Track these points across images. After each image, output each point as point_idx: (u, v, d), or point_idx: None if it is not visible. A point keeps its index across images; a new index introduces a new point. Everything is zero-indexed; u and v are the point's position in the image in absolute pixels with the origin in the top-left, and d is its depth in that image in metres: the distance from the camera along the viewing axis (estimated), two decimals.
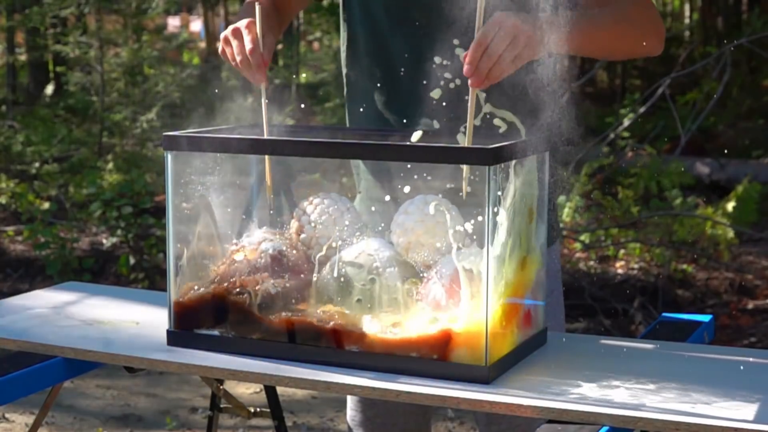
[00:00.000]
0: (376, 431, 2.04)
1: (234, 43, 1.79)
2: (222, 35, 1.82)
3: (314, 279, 1.67)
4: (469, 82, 1.61)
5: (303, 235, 1.73)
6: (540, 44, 1.64)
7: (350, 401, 2.06)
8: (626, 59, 1.95)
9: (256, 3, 1.80)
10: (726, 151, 8.34)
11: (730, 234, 6.00)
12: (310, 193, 1.80)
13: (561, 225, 2.02)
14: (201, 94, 10.00)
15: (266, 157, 1.79)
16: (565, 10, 1.73)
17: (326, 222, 1.71)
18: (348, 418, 2.07)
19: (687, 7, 15.44)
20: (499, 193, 1.55)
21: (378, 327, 1.60)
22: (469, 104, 1.62)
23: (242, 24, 1.80)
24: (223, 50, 1.83)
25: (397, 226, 1.67)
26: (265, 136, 1.79)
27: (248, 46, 1.77)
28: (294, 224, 1.75)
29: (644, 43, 1.84)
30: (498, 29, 1.59)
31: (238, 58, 1.78)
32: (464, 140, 1.64)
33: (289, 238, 1.74)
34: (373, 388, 1.56)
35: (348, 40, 1.99)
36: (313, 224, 1.72)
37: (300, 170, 1.87)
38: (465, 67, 1.60)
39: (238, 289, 1.70)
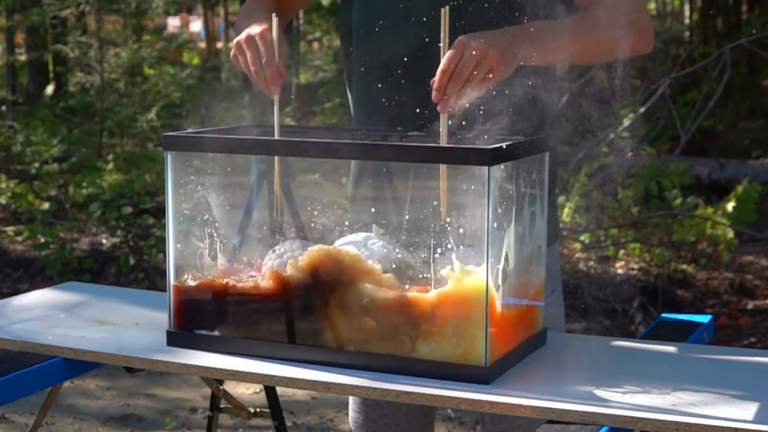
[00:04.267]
0: None
1: (248, 53, 1.74)
2: (235, 41, 1.77)
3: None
4: (438, 107, 1.61)
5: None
6: (508, 63, 1.63)
7: (352, 403, 2.06)
8: (611, 61, 1.93)
9: (273, 15, 1.77)
10: (726, 151, 8.34)
11: (730, 234, 6.01)
12: (309, 194, 1.81)
13: (561, 225, 2.02)
14: (201, 94, 10.01)
15: (276, 161, 1.77)
16: (542, 20, 1.73)
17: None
18: (350, 419, 2.07)
19: (687, 8, 15.44)
20: (498, 193, 1.55)
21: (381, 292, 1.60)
22: (441, 129, 1.63)
23: (256, 32, 1.74)
24: (235, 56, 1.77)
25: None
26: (276, 131, 1.75)
27: (263, 57, 1.72)
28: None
29: (629, 46, 1.81)
30: (463, 53, 1.59)
31: (252, 68, 1.73)
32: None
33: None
34: (373, 388, 1.56)
35: (346, 48, 2.00)
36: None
37: (300, 170, 1.88)
38: (433, 93, 1.61)
39: (238, 289, 1.70)
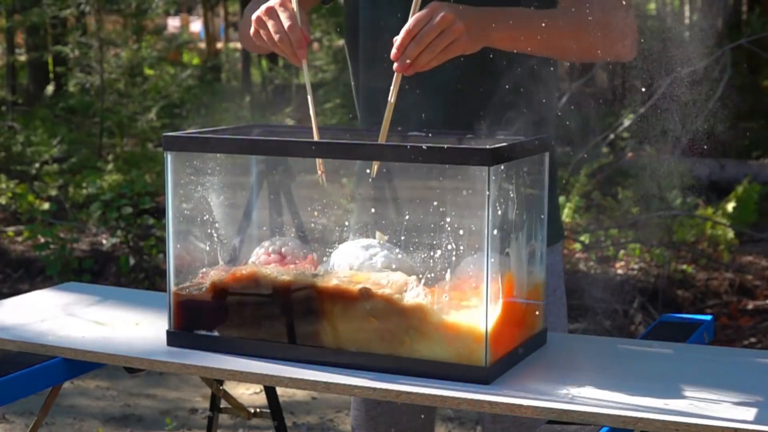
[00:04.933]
0: (380, 430, 2.05)
1: (270, 22, 1.72)
2: (254, 16, 1.75)
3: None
4: (395, 66, 1.63)
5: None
6: (475, 39, 1.65)
7: (354, 401, 2.07)
8: (588, 62, 1.93)
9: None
10: (726, 151, 8.34)
11: (730, 234, 6.01)
12: (309, 194, 1.81)
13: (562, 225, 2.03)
14: (201, 95, 10.01)
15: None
16: (520, 7, 1.73)
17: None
18: (351, 417, 2.08)
19: (687, 8, 15.44)
20: (499, 193, 1.55)
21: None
22: (392, 86, 1.64)
23: (275, 2, 1.73)
24: (257, 31, 1.75)
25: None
26: (312, 112, 1.74)
27: (286, 23, 1.70)
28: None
29: (608, 48, 1.81)
30: (430, 18, 1.60)
31: (276, 37, 1.71)
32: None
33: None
34: (373, 389, 1.55)
35: (351, 52, 2.00)
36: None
37: (300, 170, 1.87)
38: (393, 51, 1.62)
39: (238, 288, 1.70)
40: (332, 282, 1.62)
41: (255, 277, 1.68)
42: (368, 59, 1.95)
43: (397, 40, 1.61)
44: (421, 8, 1.64)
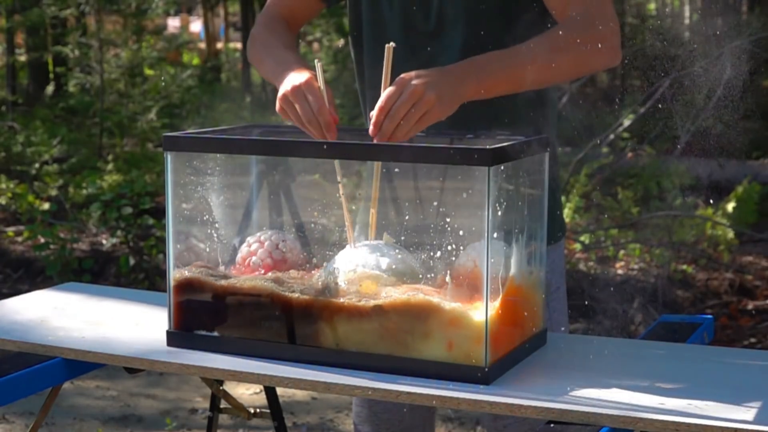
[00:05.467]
0: (382, 426, 2.06)
1: (297, 104, 1.70)
2: (280, 93, 1.73)
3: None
4: (374, 141, 1.64)
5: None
6: (448, 104, 1.65)
7: (356, 397, 2.07)
8: (576, 78, 1.91)
9: (316, 61, 1.77)
10: (726, 152, 8.33)
11: (730, 234, 6.01)
12: (309, 194, 1.81)
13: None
14: (201, 95, 10.01)
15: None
16: (494, 51, 1.72)
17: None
18: (354, 414, 2.09)
19: (687, 8, 15.44)
20: (499, 193, 1.55)
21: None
22: (374, 166, 1.66)
23: (301, 82, 1.71)
24: (282, 108, 1.73)
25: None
26: (347, 221, 1.74)
27: (314, 106, 1.69)
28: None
29: (590, 65, 1.80)
30: (401, 93, 1.61)
31: (304, 119, 1.70)
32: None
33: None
34: (373, 389, 1.55)
35: (357, 56, 2.01)
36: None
37: (300, 170, 1.88)
38: (370, 128, 1.63)
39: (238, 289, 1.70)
40: (340, 300, 1.62)
41: (258, 292, 1.68)
42: (372, 60, 1.96)
43: (372, 116, 1.62)
44: (391, 80, 1.65)
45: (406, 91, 1.61)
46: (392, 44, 1.68)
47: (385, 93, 1.63)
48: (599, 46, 1.77)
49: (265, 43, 1.95)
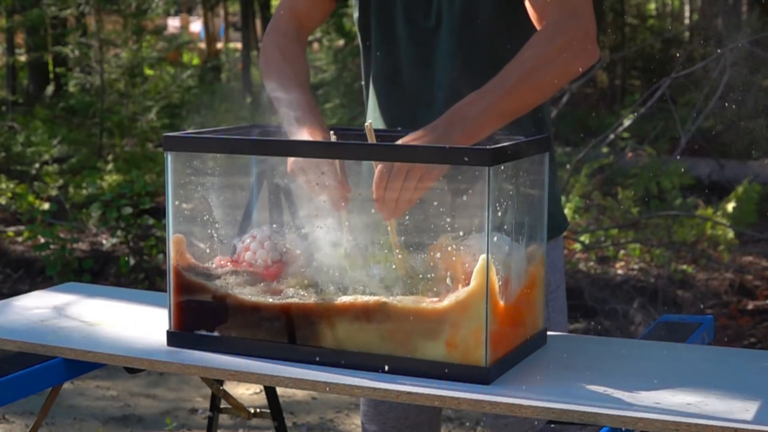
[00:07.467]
0: (389, 425, 2.06)
1: (310, 174, 1.69)
2: (290, 164, 1.72)
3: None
4: (383, 216, 1.64)
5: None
6: (440, 165, 1.62)
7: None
8: (563, 84, 1.88)
9: (332, 132, 1.76)
10: (726, 151, 8.34)
11: (730, 235, 6.01)
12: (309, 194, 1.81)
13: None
14: (201, 95, 10.01)
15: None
16: (473, 92, 1.70)
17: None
18: (361, 412, 2.10)
19: (687, 8, 15.44)
20: (499, 193, 1.55)
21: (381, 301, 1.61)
22: (390, 232, 1.66)
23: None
24: (293, 171, 1.72)
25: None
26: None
27: (327, 180, 1.68)
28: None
29: (570, 70, 1.77)
30: (391, 166, 1.61)
31: (316, 189, 1.69)
32: None
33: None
34: (373, 389, 1.56)
35: (365, 57, 2.01)
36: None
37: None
38: (376, 205, 1.63)
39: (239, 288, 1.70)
40: (340, 300, 1.63)
41: (258, 308, 1.68)
42: (380, 52, 1.96)
43: (374, 193, 1.62)
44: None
45: (394, 169, 1.60)
46: (370, 122, 1.68)
47: (377, 169, 1.62)
48: (573, 51, 1.74)
49: (279, 73, 1.91)
